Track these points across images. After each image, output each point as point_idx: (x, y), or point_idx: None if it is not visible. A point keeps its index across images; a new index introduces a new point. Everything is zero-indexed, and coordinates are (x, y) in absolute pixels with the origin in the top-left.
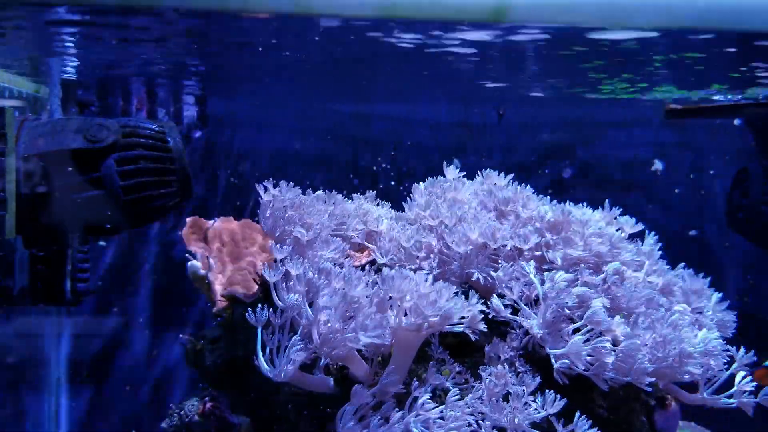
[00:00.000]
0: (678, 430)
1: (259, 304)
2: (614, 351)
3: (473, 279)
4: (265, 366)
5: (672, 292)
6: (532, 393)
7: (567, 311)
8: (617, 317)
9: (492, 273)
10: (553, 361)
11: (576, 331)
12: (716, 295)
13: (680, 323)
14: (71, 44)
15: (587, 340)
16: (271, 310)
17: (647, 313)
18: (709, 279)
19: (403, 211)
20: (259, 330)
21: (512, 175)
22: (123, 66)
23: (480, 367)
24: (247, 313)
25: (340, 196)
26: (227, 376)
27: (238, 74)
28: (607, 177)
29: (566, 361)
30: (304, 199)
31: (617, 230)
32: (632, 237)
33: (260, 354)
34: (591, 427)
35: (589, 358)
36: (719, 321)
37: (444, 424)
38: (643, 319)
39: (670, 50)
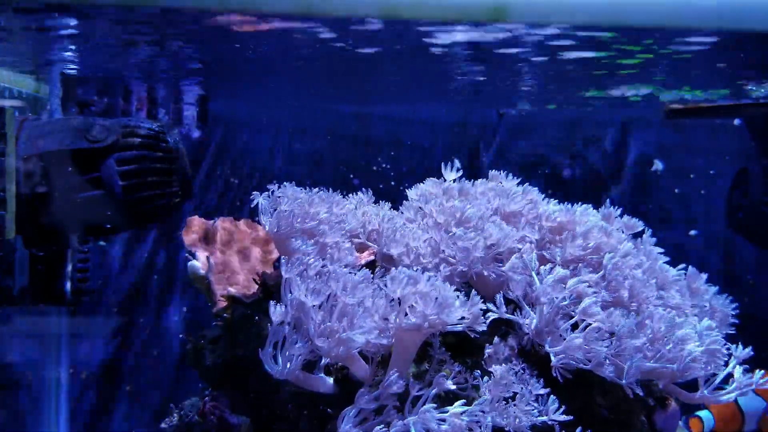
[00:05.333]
0: (678, 430)
1: (271, 302)
2: (610, 342)
3: (480, 277)
4: (269, 363)
5: (670, 288)
6: (533, 393)
7: (565, 308)
8: (615, 311)
9: (497, 271)
10: (552, 358)
11: (575, 327)
12: (713, 290)
13: (678, 321)
14: (71, 44)
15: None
16: (276, 308)
17: (645, 308)
18: (706, 275)
19: (403, 210)
20: (271, 328)
21: (520, 179)
22: (123, 66)
23: (476, 370)
24: (247, 313)
25: (339, 196)
26: (227, 376)
27: (238, 74)
28: (607, 177)
29: (562, 355)
30: (305, 198)
31: (618, 230)
32: (633, 237)
33: (267, 351)
34: (591, 426)
35: (587, 353)
36: (718, 316)
37: (444, 424)
38: (640, 313)
39: (671, 51)
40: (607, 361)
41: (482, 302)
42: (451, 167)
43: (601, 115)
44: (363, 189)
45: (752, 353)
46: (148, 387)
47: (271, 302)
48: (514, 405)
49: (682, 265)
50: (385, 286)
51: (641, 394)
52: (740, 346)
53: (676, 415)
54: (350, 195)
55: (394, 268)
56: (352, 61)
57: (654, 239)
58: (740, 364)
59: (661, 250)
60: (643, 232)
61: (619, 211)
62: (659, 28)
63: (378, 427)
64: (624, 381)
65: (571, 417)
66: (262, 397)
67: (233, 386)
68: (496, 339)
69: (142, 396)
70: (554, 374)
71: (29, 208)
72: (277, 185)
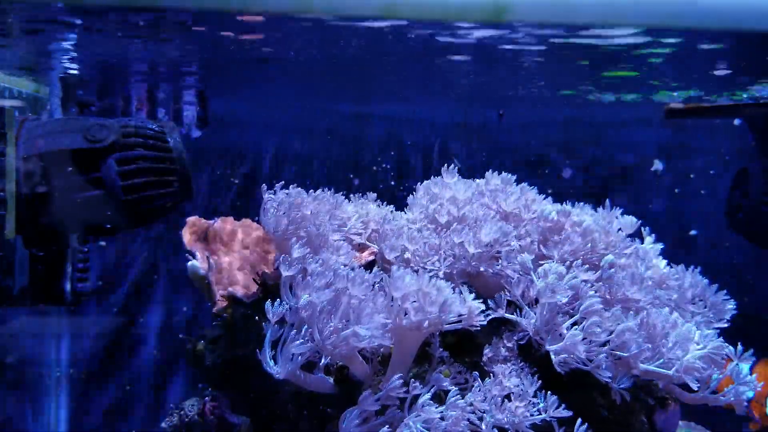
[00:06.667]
0: (678, 430)
1: (273, 301)
2: (609, 337)
3: (480, 276)
4: (269, 362)
5: (668, 287)
6: (533, 393)
7: (564, 306)
8: (614, 309)
9: (496, 269)
10: (552, 356)
11: (574, 326)
12: (705, 282)
13: (677, 320)
14: (71, 44)
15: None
16: (277, 306)
17: (644, 307)
18: (695, 267)
19: (404, 210)
20: (270, 327)
21: (515, 176)
22: (123, 66)
23: (475, 371)
24: (247, 313)
25: (340, 197)
26: (227, 376)
27: (238, 74)
28: (607, 177)
29: (564, 355)
30: (306, 198)
31: (617, 229)
32: (631, 236)
33: (266, 351)
34: (591, 426)
35: (586, 351)
36: (713, 309)
37: (444, 423)
38: (639, 312)
39: (671, 51)
40: (607, 362)
41: (482, 302)
42: (451, 167)
43: (602, 115)
44: (364, 189)
45: (753, 353)
46: (147, 387)
47: (267, 302)
48: (514, 404)
49: (681, 266)
50: (385, 285)
51: (628, 398)
52: (740, 347)
53: (676, 415)
54: (351, 195)
55: (393, 268)
56: (352, 60)
57: (653, 238)
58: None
59: (661, 245)
60: (641, 231)
61: (617, 211)
62: (661, 29)
63: (383, 429)
64: (616, 386)
65: (570, 413)
66: (262, 397)
67: (233, 386)
68: (495, 339)
69: (142, 396)
70: (557, 369)
71: (29, 208)
72: (277, 185)
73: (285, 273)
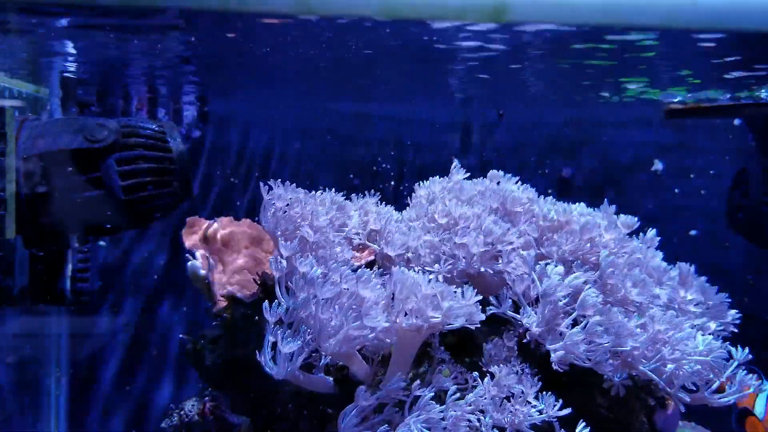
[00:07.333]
0: (678, 430)
1: (269, 302)
2: (610, 337)
3: (481, 276)
4: (268, 363)
5: (668, 287)
6: (533, 393)
7: (564, 306)
8: (614, 308)
9: (498, 268)
10: (552, 354)
11: (574, 325)
12: (702, 280)
13: (677, 320)
14: (71, 44)
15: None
16: (275, 307)
17: (643, 307)
18: (693, 266)
19: (405, 210)
20: (268, 327)
21: (518, 178)
22: (123, 66)
23: (475, 371)
24: (247, 313)
25: (340, 197)
26: (227, 376)
27: (238, 74)
28: (607, 177)
29: (563, 353)
30: (306, 198)
31: (616, 228)
32: (631, 235)
33: (265, 351)
34: (591, 426)
35: (586, 349)
36: (712, 309)
37: (445, 423)
38: (639, 312)
39: (671, 51)
40: (609, 360)
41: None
42: (452, 167)
43: (602, 115)
44: (364, 189)
45: (751, 356)
46: (147, 387)
47: (266, 302)
48: (514, 404)
49: (680, 266)
50: (386, 285)
51: (630, 384)
52: (740, 349)
53: (676, 415)
54: (351, 195)
55: (394, 268)
56: (352, 60)
57: (652, 238)
58: (740, 365)
59: (658, 240)
60: (640, 230)
61: (614, 209)
62: (660, 29)
63: (381, 428)
64: (617, 378)
65: (569, 410)
66: (262, 397)
67: (233, 386)
68: (495, 339)
69: (141, 396)
70: (556, 368)
71: (29, 208)
72: (277, 185)
73: (276, 272)
